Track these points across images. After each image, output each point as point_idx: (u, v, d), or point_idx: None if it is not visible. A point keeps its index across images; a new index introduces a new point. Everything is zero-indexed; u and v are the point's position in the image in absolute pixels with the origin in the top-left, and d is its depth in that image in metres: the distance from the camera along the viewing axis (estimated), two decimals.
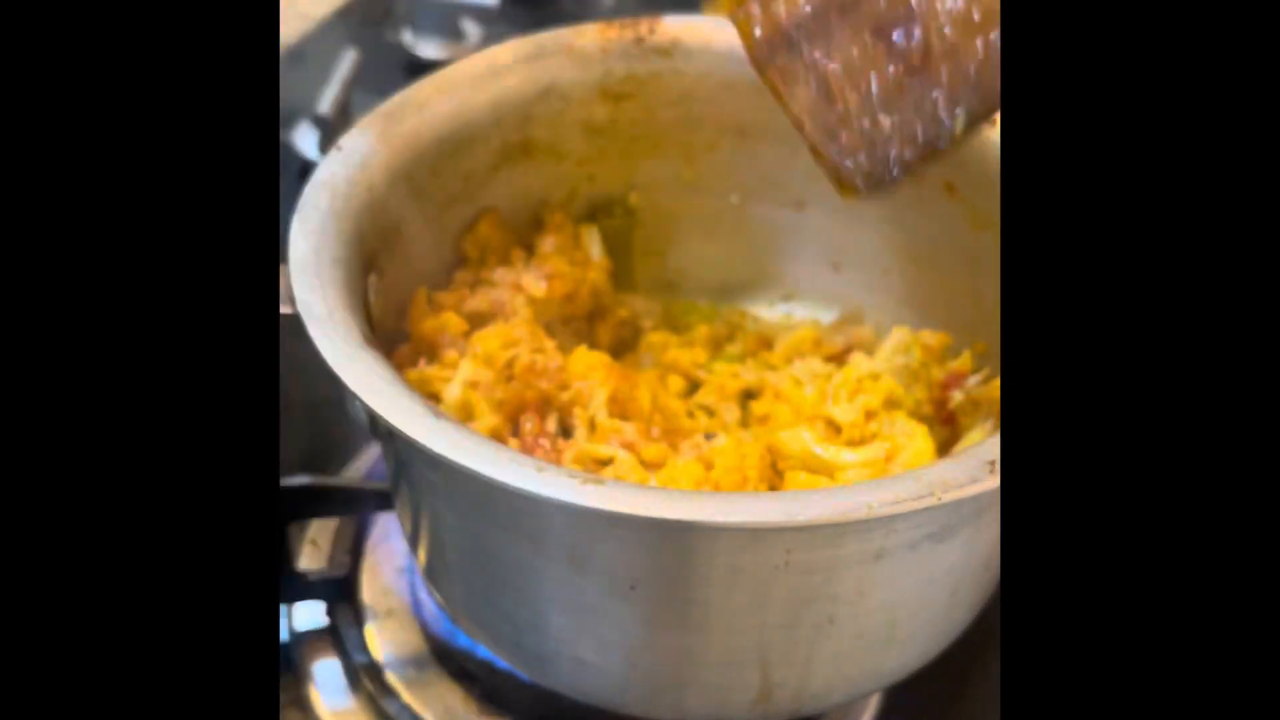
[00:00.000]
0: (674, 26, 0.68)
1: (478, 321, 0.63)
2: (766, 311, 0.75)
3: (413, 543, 0.59)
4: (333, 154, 0.58)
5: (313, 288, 0.51)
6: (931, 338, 0.65)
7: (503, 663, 0.60)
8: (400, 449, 0.53)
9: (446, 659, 0.65)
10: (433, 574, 0.58)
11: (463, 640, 0.64)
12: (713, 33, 0.68)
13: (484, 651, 0.62)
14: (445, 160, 0.63)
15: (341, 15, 1.15)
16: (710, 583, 0.47)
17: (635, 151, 0.70)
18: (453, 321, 0.62)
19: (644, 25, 0.68)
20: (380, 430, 0.51)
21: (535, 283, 0.64)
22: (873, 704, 0.64)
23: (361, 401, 0.46)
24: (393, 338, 0.61)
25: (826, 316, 0.74)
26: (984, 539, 0.51)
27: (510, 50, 0.66)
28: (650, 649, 0.50)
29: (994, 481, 0.44)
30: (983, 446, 0.45)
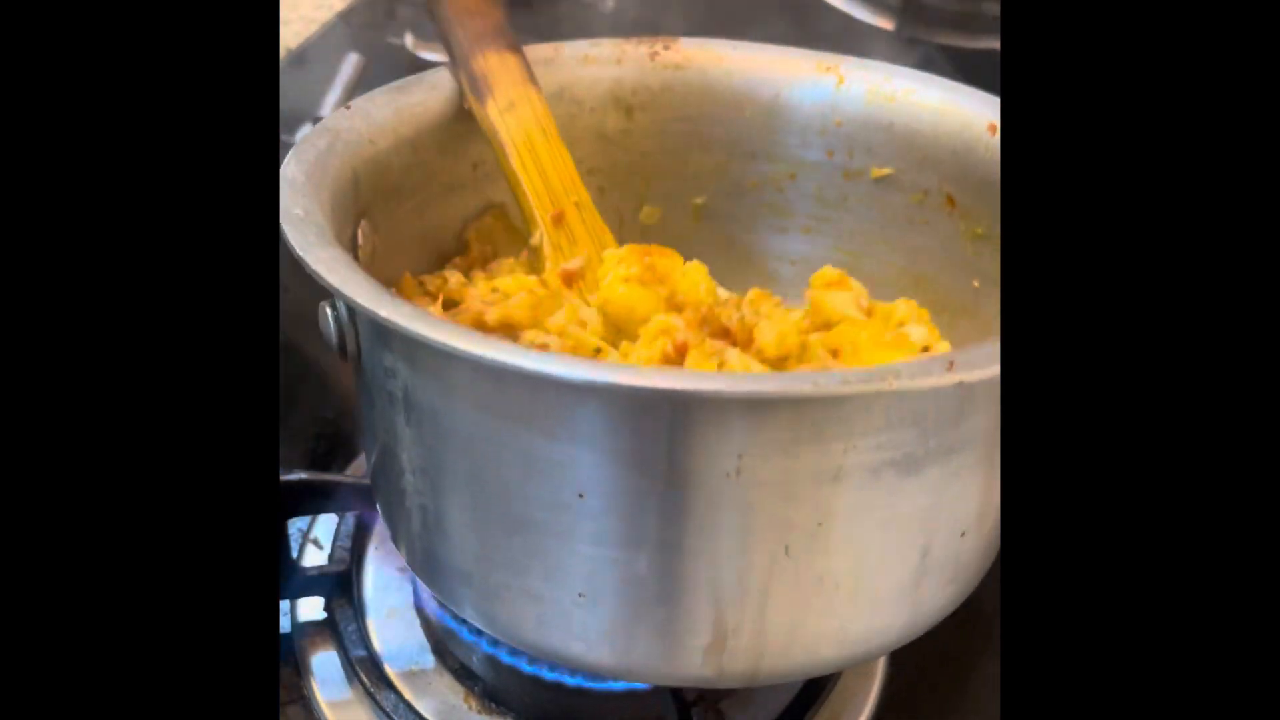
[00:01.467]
0: (689, 47, 0.70)
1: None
2: None
3: (375, 485, 0.58)
4: (341, 110, 0.60)
5: (296, 200, 0.52)
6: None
7: (504, 659, 0.61)
8: (364, 361, 0.52)
9: (446, 656, 0.65)
10: (392, 519, 0.56)
11: (464, 637, 0.63)
12: (726, 53, 0.70)
13: (485, 649, 0.62)
14: (455, 141, 0.65)
15: (344, 19, 1.20)
16: (657, 490, 0.45)
17: (646, 168, 0.72)
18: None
19: (659, 43, 0.70)
20: (346, 344, 0.51)
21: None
22: (870, 704, 0.63)
23: (326, 284, 0.46)
24: None
25: None
26: (955, 492, 0.49)
27: (529, 52, 0.68)
28: (595, 575, 0.48)
29: (951, 378, 0.42)
30: (943, 354, 0.44)
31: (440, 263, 0.67)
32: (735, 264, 0.74)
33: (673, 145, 0.71)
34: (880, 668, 0.66)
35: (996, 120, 0.63)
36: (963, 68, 0.66)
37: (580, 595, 0.49)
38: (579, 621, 0.50)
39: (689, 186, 0.72)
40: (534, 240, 0.65)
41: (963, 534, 0.51)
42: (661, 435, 0.44)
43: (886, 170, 0.68)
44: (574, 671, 0.59)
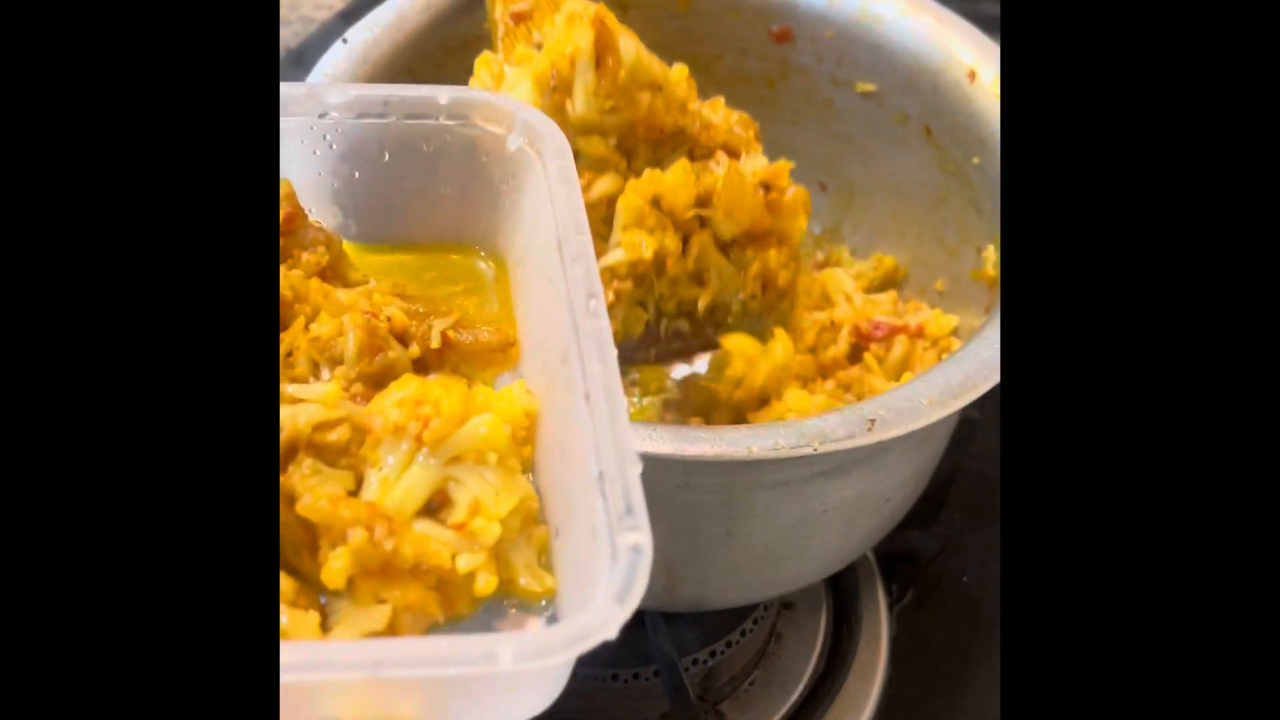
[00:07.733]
0: None
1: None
2: None
3: None
4: (338, 46, 0.62)
5: None
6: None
7: None
8: None
9: None
10: None
11: None
12: None
13: None
14: (450, 56, 0.67)
15: (344, 19, 1.15)
16: None
17: None
18: None
19: None
20: None
21: None
22: (871, 704, 0.69)
23: None
24: None
25: (814, 230, 0.78)
26: (879, 476, 0.56)
27: None
28: None
29: (870, 437, 0.48)
30: (867, 405, 0.49)
31: None
32: None
33: (666, 40, 0.72)
34: (881, 669, 0.70)
35: (977, 67, 0.64)
36: None
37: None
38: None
39: None
40: None
41: (886, 500, 0.59)
42: None
43: (870, 87, 0.70)
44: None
